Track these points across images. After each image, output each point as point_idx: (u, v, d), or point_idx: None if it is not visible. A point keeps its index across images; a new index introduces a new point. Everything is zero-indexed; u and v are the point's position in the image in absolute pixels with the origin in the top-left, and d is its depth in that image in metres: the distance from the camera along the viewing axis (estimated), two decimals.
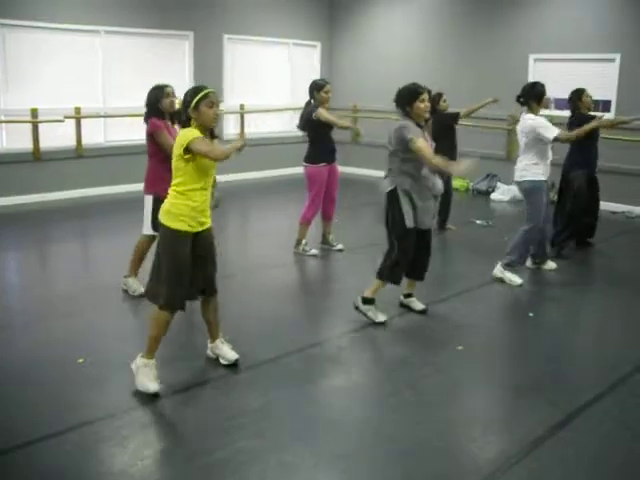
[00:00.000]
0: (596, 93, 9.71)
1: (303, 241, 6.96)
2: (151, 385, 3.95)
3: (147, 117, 5.36)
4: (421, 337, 5.03)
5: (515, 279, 6.21)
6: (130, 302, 5.48)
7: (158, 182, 4.98)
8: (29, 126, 9.13)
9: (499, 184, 10.39)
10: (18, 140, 9.10)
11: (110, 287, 5.70)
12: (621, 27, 9.45)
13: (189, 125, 3.94)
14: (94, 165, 9.70)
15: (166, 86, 5.40)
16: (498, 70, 10.54)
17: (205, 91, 3.95)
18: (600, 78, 9.69)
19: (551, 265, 6.71)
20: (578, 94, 7.31)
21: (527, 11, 10.33)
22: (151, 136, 5.29)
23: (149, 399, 3.90)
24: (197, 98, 3.91)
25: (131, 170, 8.71)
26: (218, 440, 3.50)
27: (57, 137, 9.36)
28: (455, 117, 7.99)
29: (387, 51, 11.96)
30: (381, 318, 5.19)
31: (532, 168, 6.16)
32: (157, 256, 4.07)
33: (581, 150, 7.24)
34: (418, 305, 5.49)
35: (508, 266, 6.25)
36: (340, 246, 7.06)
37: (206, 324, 4.38)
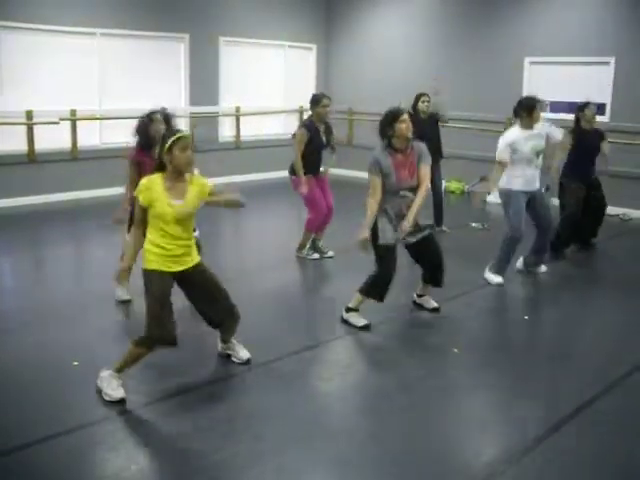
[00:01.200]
0: (591, 96, 9.75)
1: (307, 245, 6.98)
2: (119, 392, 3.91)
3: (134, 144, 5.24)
4: (417, 340, 5.03)
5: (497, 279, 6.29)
6: (124, 305, 5.47)
7: None
8: (24, 128, 9.10)
9: None
10: (13, 142, 9.07)
11: (105, 290, 5.67)
12: (616, 30, 9.48)
13: (163, 168, 3.91)
14: (89, 167, 9.68)
15: (154, 112, 5.22)
16: (494, 73, 10.56)
17: (178, 135, 3.89)
18: (595, 81, 9.71)
19: (542, 268, 6.73)
20: (581, 107, 7.40)
21: (522, 14, 10.36)
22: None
23: (143, 403, 3.89)
24: (170, 142, 3.84)
25: (126, 172, 8.70)
26: (214, 443, 3.49)
27: (52, 139, 9.34)
28: (435, 120, 8.01)
29: (383, 54, 11.97)
30: (362, 322, 5.18)
31: (510, 178, 6.17)
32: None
33: (574, 162, 7.33)
34: (431, 303, 5.57)
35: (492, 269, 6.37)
36: (331, 253, 7.05)
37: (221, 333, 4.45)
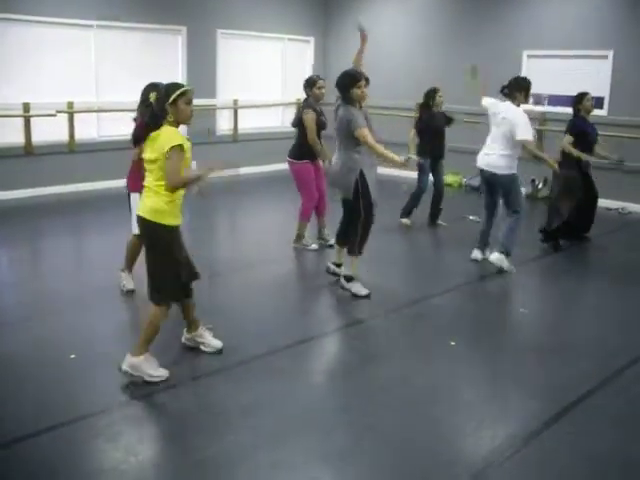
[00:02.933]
0: (589, 90, 9.74)
1: (306, 235, 7.02)
2: (161, 371, 4.04)
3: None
4: (413, 333, 5.03)
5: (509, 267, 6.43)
6: (123, 298, 5.46)
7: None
8: (21, 120, 9.07)
9: None
10: (10, 134, 9.04)
11: (103, 283, 5.68)
12: (614, 24, 9.46)
13: (163, 119, 3.92)
14: (87, 160, 9.65)
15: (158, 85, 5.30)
16: (492, 66, 10.46)
17: (184, 88, 3.95)
18: (593, 75, 9.70)
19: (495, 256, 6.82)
20: (579, 97, 7.39)
21: (521, 7, 10.33)
22: None
23: (140, 395, 3.89)
24: (176, 94, 3.90)
25: (124, 165, 8.66)
26: (209, 437, 3.49)
27: (50, 132, 9.31)
28: (448, 120, 8.19)
29: (381, 47, 11.93)
30: (364, 291, 5.55)
31: (512, 161, 6.30)
32: (152, 258, 4.02)
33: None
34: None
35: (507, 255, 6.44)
36: (333, 241, 7.05)
37: (187, 317, 4.43)
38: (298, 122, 6.86)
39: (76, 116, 9.57)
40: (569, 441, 3.56)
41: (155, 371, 4.03)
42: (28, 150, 9.18)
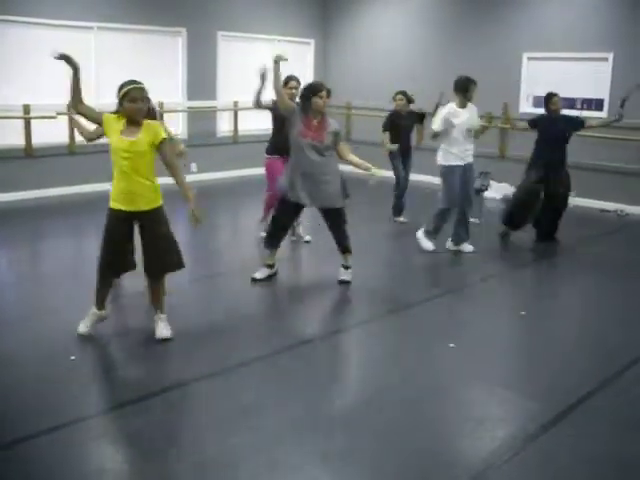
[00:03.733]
0: (589, 92, 9.77)
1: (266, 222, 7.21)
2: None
3: None
4: (412, 334, 5.03)
5: (427, 245, 7.01)
6: (123, 298, 5.47)
7: None
8: (21, 122, 9.08)
9: (492, 182, 10.39)
10: (10, 136, 9.05)
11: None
12: (614, 26, 9.47)
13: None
14: (87, 162, 9.64)
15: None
16: (491, 69, 10.54)
17: (127, 87, 4.43)
18: (593, 77, 9.71)
19: (467, 248, 7.10)
20: (545, 99, 7.67)
21: (521, 9, 10.34)
22: None
23: (139, 396, 3.89)
24: (121, 94, 4.42)
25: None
26: (209, 437, 3.50)
27: (50, 134, 9.32)
28: (420, 117, 8.51)
29: (381, 49, 11.96)
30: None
31: (445, 154, 6.80)
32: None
33: (535, 150, 7.60)
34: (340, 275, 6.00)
35: (427, 233, 7.04)
36: (308, 238, 7.26)
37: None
38: (273, 120, 7.22)
39: (76, 118, 9.56)
40: (569, 443, 3.56)
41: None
42: (28, 152, 9.20)
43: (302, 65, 12.56)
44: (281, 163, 6.94)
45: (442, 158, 6.87)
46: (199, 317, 5.16)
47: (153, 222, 4.46)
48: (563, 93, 10.01)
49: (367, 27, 12.20)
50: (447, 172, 6.84)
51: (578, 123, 7.55)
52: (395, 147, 8.12)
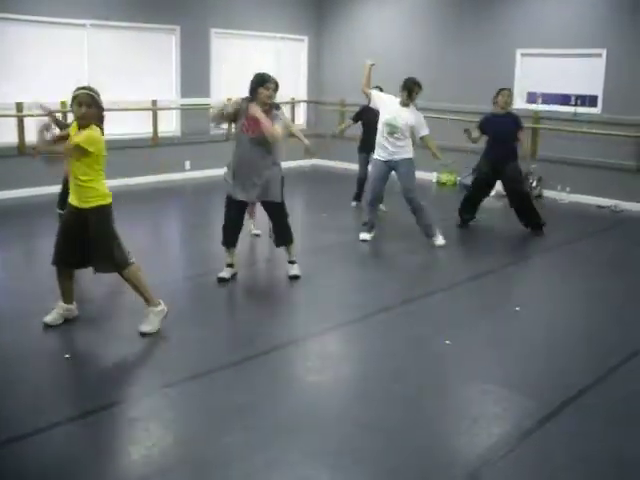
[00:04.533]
0: (582, 88, 9.79)
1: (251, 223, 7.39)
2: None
3: None
4: (407, 332, 5.03)
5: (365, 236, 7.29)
6: (117, 297, 5.45)
7: None
8: (14, 120, 9.05)
9: None
10: (3, 134, 9.02)
11: (95, 281, 5.66)
12: (607, 22, 9.49)
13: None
14: None
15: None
16: (485, 65, 10.56)
17: (75, 93, 4.64)
18: (587, 73, 9.73)
19: (439, 241, 7.23)
20: (496, 93, 7.82)
21: (514, 6, 10.35)
22: None
23: (134, 396, 3.89)
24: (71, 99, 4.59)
25: (118, 164, 8.68)
26: (204, 437, 3.49)
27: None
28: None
29: (375, 46, 11.94)
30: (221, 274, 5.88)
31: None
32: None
33: (485, 147, 7.97)
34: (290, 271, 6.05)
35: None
36: (257, 231, 7.39)
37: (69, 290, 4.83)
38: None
39: (69, 116, 9.53)
40: (564, 439, 3.57)
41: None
42: (21, 150, 9.16)
43: (296, 62, 12.56)
44: None
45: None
46: (194, 316, 5.15)
47: (90, 221, 4.58)
48: (557, 89, 10.10)
49: (361, 24, 12.19)
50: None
51: (518, 127, 7.77)
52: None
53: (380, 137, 7.05)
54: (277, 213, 5.87)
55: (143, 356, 4.48)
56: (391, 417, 3.75)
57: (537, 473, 3.29)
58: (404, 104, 6.97)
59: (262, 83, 5.60)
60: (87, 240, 4.57)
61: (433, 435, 3.61)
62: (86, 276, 5.34)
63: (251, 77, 5.65)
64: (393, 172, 7.15)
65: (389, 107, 6.99)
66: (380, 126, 7.05)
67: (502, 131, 7.68)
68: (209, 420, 3.65)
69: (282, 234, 5.94)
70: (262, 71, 5.74)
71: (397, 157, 7.01)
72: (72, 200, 4.61)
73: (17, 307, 5.28)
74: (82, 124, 4.49)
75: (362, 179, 8.90)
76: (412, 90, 6.94)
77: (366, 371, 4.42)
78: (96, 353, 4.49)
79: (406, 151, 7.01)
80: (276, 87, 5.86)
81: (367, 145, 8.57)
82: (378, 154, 7.10)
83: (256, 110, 5.46)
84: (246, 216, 6.39)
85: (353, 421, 3.71)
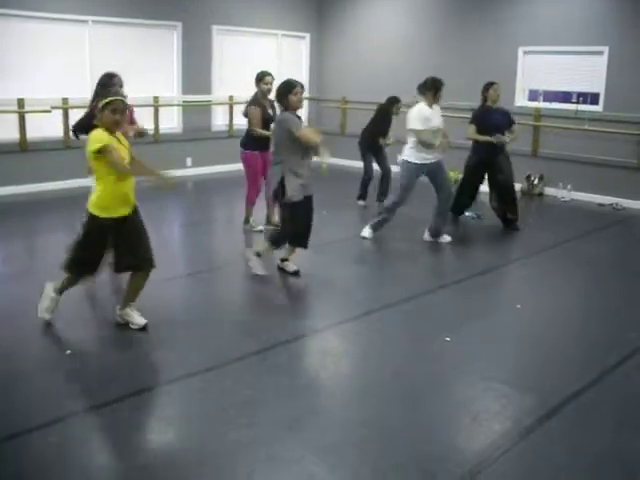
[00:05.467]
0: (584, 86, 9.78)
1: (250, 219, 7.50)
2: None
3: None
4: (408, 328, 5.03)
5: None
6: (116, 294, 5.45)
7: None
8: (16, 116, 9.05)
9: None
10: (5, 130, 9.02)
11: (99, 278, 5.66)
12: (609, 20, 9.47)
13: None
14: (81, 156, 9.53)
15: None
16: (487, 62, 10.54)
17: (111, 98, 4.36)
18: (589, 71, 9.72)
19: (445, 238, 7.27)
20: (486, 86, 7.82)
21: (516, 3, 10.33)
22: None
23: (136, 391, 3.89)
24: (103, 103, 4.35)
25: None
26: (206, 432, 3.49)
27: (44, 127, 9.29)
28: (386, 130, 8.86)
29: (376, 43, 11.94)
30: (259, 271, 5.87)
31: (409, 150, 6.94)
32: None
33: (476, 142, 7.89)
34: (291, 267, 6.06)
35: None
36: (260, 227, 7.47)
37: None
38: (247, 113, 7.31)
39: (71, 112, 9.54)
40: (564, 437, 3.57)
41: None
42: (23, 146, 9.17)
43: (297, 59, 12.54)
44: (260, 158, 7.28)
45: (406, 154, 7.02)
46: (193, 312, 5.16)
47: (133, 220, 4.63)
48: (559, 87, 10.09)
49: (363, 21, 12.17)
50: (405, 167, 7.05)
51: (510, 122, 7.84)
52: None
53: (434, 139, 6.88)
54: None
55: (145, 353, 4.48)
56: (392, 414, 3.76)
57: (536, 470, 3.29)
58: (432, 105, 6.95)
59: (290, 90, 5.61)
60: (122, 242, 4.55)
61: (433, 432, 3.61)
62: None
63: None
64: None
65: (434, 115, 6.93)
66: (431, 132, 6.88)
67: (498, 125, 7.71)
68: (212, 416, 3.66)
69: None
70: (289, 78, 5.80)
71: (440, 158, 7.03)
72: (123, 210, 4.54)
73: (18, 303, 5.28)
74: (114, 130, 4.46)
75: (370, 179, 8.92)
76: (439, 89, 6.92)
77: (367, 368, 4.42)
78: (97, 350, 4.49)
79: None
80: (302, 89, 5.79)
81: (377, 144, 8.69)
82: (423, 158, 6.90)
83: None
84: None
85: (354, 417, 3.72)
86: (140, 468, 3.24)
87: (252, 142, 7.23)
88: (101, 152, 4.38)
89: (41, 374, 4.10)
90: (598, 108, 9.62)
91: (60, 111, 9.41)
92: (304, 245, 6.01)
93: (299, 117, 5.74)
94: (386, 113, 8.75)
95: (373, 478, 3.17)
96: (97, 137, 4.41)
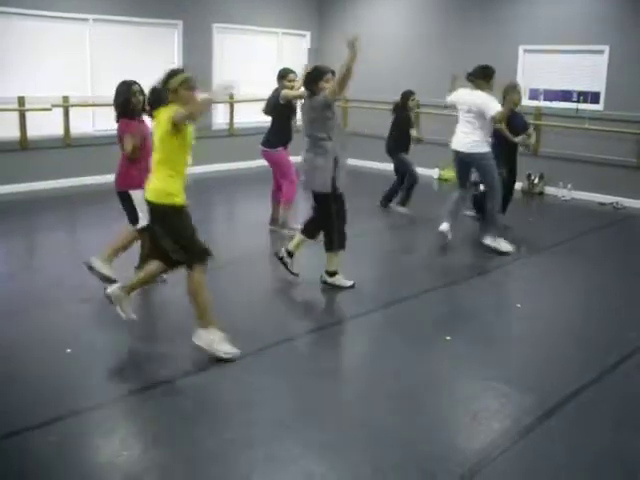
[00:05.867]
0: (585, 85, 9.78)
1: (289, 221, 7.21)
2: (228, 347, 4.25)
3: (118, 118, 5.46)
4: (409, 328, 5.03)
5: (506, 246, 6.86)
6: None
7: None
8: (16, 114, 9.04)
9: None
10: (5, 129, 9.01)
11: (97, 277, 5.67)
12: (610, 19, 9.46)
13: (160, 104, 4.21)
14: (82, 154, 9.63)
15: (133, 84, 5.50)
16: (488, 61, 10.41)
17: (185, 75, 4.20)
18: (589, 70, 9.71)
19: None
20: (509, 89, 7.37)
21: (517, 2, 10.32)
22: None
23: (136, 390, 3.89)
24: (178, 82, 4.16)
25: (118, 158, 8.70)
26: (205, 431, 3.50)
27: (45, 126, 9.29)
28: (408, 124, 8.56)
29: (376, 41, 11.91)
30: (349, 282, 5.60)
31: (482, 143, 6.74)
32: (171, 237, 4.25)
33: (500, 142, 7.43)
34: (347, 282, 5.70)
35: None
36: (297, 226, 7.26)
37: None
38: (272, 110, 7.17)
39: (71, 110, 9.54)
40: (562, 436, 3.57)
41: (227, 347, 4.24)
42: (23, 145, 9.16)
43: (298, 57, 12.52)
44: (285, 153, 7.18)
45: (479, 145, 6.79)
46: (188, 312, 5.16)
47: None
48: (559, 86, 10.07)
49: (363, 19, 12.15)
50: (487, 157, 6.82)
51: (525, 125, 7.61)
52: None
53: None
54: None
55: (139, 351, 4.48)
56: (392, 412, 3.76)
57: (536, 469, 3.30)
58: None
59: (322, 76, 5.35)
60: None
61: (433, 431, 3.61)
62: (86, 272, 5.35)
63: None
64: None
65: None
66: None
67: (521, 128, 7.48)
68: (210, 415, 3.66)
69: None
70: (318, 64, 5.66)
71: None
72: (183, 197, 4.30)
73: (18, 301, 5.28)
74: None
75: (416, 183, 8.41)
76: (490, 76, 6.83)
77: (366, 367, 4.42)
78: (97, 348, 4.49)
79: None
80: (333, 74, 5.47)
81: (405, 145, 8.47)
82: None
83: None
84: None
85: (353, 416, 3.72)
86: (139, 467, 3.25)
87: (277, 138, 7.10)
88: (175, 119, 4.03)
89: (40, 372, 4.10)
90: (599, 107, 9.62)
91: (61, 109, 9.40)
92: (344, 245, 5.62)
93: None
94: (403, 110, 8.46)
95: (373, 477, 3.18)
96: (167, 112, 4.12)
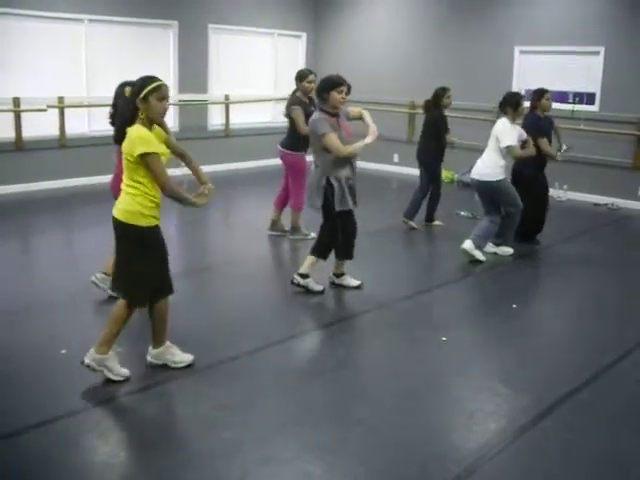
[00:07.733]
0: (580, 86, 9.79)
1: (302, 227, 7.09)
2: (123, 370, 3.96)
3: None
4: (405, 328, 5.03)
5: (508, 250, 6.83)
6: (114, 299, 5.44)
7: None
8: (11, 115, 9.02)
9: None
10: (0, 129, 8.99)
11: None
12: (606, 20, 9.48)
13: (135, 117, 3.79)
14: (77, 155, 9.62)
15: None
16: (483, 62, 10.55)
17: (157, 83, 3.83)
18: (585, 71, 9.73)
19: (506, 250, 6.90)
20: (539, 95, 7.27)
21: (513, 3, 10.33)
22: None
23: (132, 391, 3.88)
24: (147, 89, 3.78)
25: (113, 160, 8.68)
26: (200, 432, 3.49)
27: (40, 126, 9.27)
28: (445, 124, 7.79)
29: (373, 43, 11.94)
30: (319, 287, 5.55)
31: (499, 169, 6.56)
32: (128, 256, 3.91)
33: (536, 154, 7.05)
34: (353, 282, 5.70)
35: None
36: (313, 234, 6.99)
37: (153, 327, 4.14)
38: (289, 114, 6.93)
39: (66, 111, 9.52)
40: (558, 436, 3.58)
41: (117, 370, 3.95)
42: (18, 145, 9.14)
43: (293, 58, 12.53)
44: (304, 159, 6.97)
45: (492, 174, 6.58)
46: (187, 312, 5.15)
47: None
48: (555, 87, 10.06)
49: (359, 20, 12.17)
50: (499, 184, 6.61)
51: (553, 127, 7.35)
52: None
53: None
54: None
55: (134, 353, 4.47)
56: (387, 413, 3.76)
57: (532, 468, 3.30)
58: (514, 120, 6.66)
59: (334, 86, 5.19)
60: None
61: (429, 430, 3.61)
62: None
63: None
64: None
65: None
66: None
67: (549, 135, 7.17)
68: (206, 416, 3.65)
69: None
70: (333, 73, 5.41)
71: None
72: (155, 219, 3.96)
73: (13, 302, 5.27)
74: (160, 122, 4.01)
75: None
76: (519, 104, 6.63)
77: (363, 367, 4.42)
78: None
79: None
80: (349, 90, 5.41)
81: (440, 152, 7.83)
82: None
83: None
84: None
85: (349, 416, 3.71)
86: (137, 467, 3.24)
87: (297, 143, 6.79)
88: (144, 158, 3.70)
89: (36, 373, 4.09)
90: (594, 108, 9.64)
91: (56, 110, 9.38)
92: (350, 256, 5.61)
93: (336, 115, 5.28)
94: (436, 108, 7.70)
95: (369, 477, 3.17)
96: (140, 135, 3.74)
